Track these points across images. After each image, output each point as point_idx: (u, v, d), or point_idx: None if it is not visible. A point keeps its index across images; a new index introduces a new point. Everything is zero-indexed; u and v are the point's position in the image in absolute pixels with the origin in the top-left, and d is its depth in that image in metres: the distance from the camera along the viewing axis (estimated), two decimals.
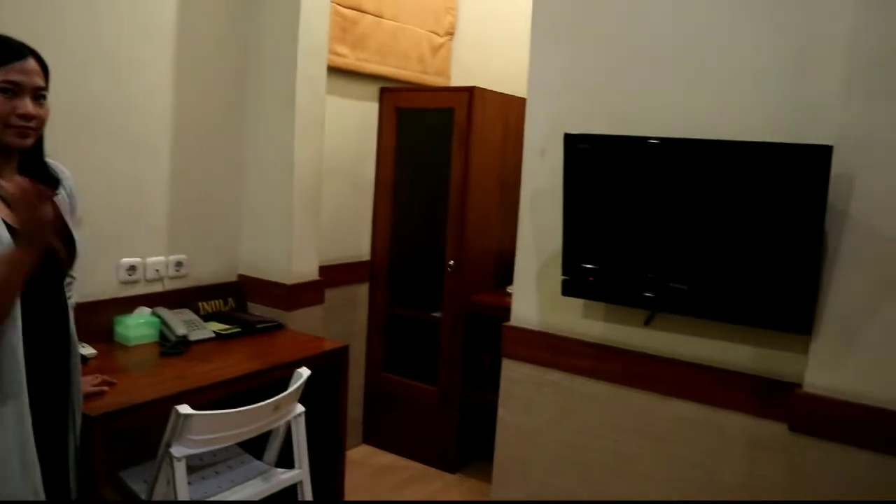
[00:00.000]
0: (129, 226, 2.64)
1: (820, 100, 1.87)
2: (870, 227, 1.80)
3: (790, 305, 1.85)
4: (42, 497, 1.59)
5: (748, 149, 1.86)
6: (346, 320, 3.58)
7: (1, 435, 1.51)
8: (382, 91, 3.53)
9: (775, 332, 1.94)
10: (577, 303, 2.27)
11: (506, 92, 3.46)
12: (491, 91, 3.38)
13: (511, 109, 3.42)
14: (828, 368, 1.87)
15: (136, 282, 2.67)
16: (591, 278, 2.10)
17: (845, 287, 1.83)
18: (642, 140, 1.98)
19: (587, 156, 2.04)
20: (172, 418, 1.95)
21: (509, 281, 3.48)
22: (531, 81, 2.33)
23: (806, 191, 1.77)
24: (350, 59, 3.23)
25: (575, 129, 2.07)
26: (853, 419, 1.83)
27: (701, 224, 1.93)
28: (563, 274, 2.15)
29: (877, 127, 1.78)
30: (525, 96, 2.35)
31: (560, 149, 2.10)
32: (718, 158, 1.90)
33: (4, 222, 1.50)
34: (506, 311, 2.49)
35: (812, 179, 1.76)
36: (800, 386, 1.91)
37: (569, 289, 2.16)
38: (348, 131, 3.43)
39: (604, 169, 2.05)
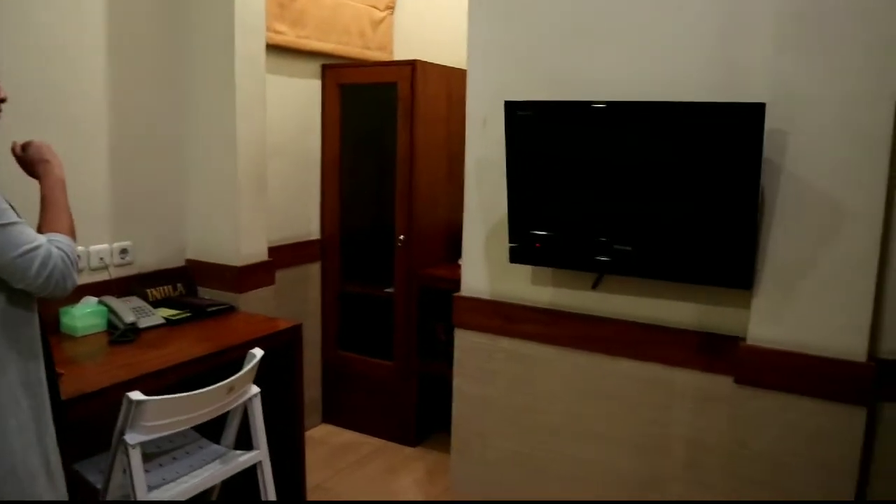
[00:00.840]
0: None
1: (753, 57, 1.92)
2: (803, 180, 1.85)
3: (731, 262, 1.90)
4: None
5: (684, 109, 1.89)
6: (299, 300, 3.56)
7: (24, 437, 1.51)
8: (324, 68, 3.49)
9: (718, 288, 2.00)
10: (525, 270, 2.30)
11: (449, 64, 3.45)
12: (433, 64, 3.37)
13: (454, 81, 3.41)
14: (769, 321, 1.93)
15: (80, 271, 2.61)
16: (537, 244, 2.13)
17: (782, 241, 1.89)
18: (581, 105, 2.00)
19: (528, 123, 2.05)
20: (124, 405, 1.92)
21: (458, 253, 3.52)
22: (470, 51, 2.33)
23: (742, 148, 1.82)
24: (290, 37, 3.19)
25: (516, 98, 2.08)
26: (794, 368, 1.90)
27: (642, 186, 1.97)
28: (510, 241, 2.17)
29: (806, 81, 1.83)
30: (466, 69, 2.36)
31: (502, 118, 2.11)
32: (655, 120, 1.93)
33: None
34: (458, 283, 2.51)
35: (747, 137, 1.80)
36: (743, 339, 1.97)
37: (516, 256, 2.18)
38: (292, 110, 3.39)
39: (545, 135, 2.07)
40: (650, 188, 1.96)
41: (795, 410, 1.91)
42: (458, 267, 3.43)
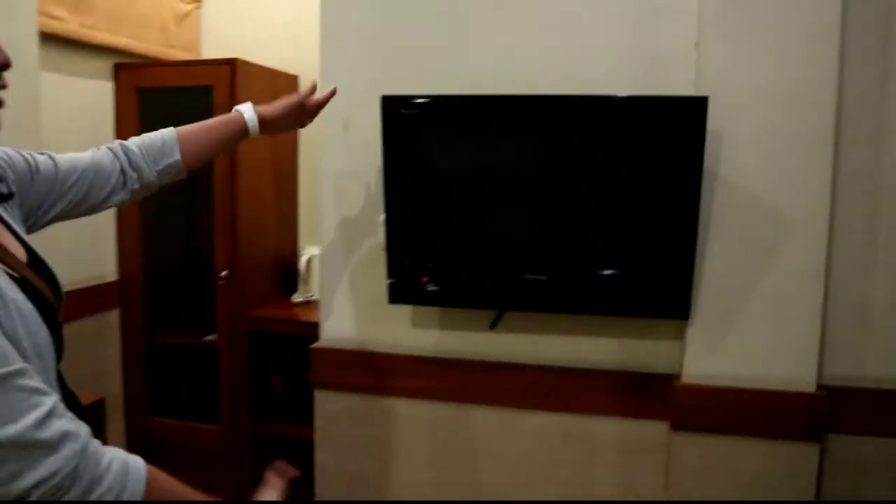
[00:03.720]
0: None
1: (676, 48, 1.62)
2: (740, 188, 1.58)
3: (667, 288, 1.58)
4: None
5: (610, 105, 1.55)
6: (95, 359, 2.83)
7: None
8: (118, 67, 2.82)
9: (648, 319, 1.67)
10: (404, 310, 1.84)
11: (272, 67, 2.92)
12: (256, 65, 2.82)
13: (280, 87, 2.90)
14: (707, 354, 1.64)
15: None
16: (425, 279, 1.69)
17: (720, 260, 1.61)
18: (483, 100, 1.60)
19: (412, 124, 1.61)
20: None
21: (293, 288, 2.98)
22: (324, 38, 1.84)
23: (679, 151, 1.50)
24: (71, 25, 2.50)
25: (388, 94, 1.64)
26: (737, 406, 1.63)
27: (558, 200, 1.60)
28: (390, 276, 1.71)
29: (738, 75, 1.56)
30: (296, 73, 1.87)
31: (368, 119, 1.66)
32: (574, 119, 1.57)
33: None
34: (294, 324, 2.02)
35: (685, 138, 1.49)
36: (678, 377, 1.66)
37: (398, 294, 1.72)
38: (76, 118, 2.67)
39: (435, 139, 1.64)
40: (568, 203, 1.59)
41: (741, 455, 1.64)
42: (293, 305, 2.93)
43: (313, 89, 1.53)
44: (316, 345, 1.94)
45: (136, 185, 1.31)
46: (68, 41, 2.52)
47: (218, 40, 3.30)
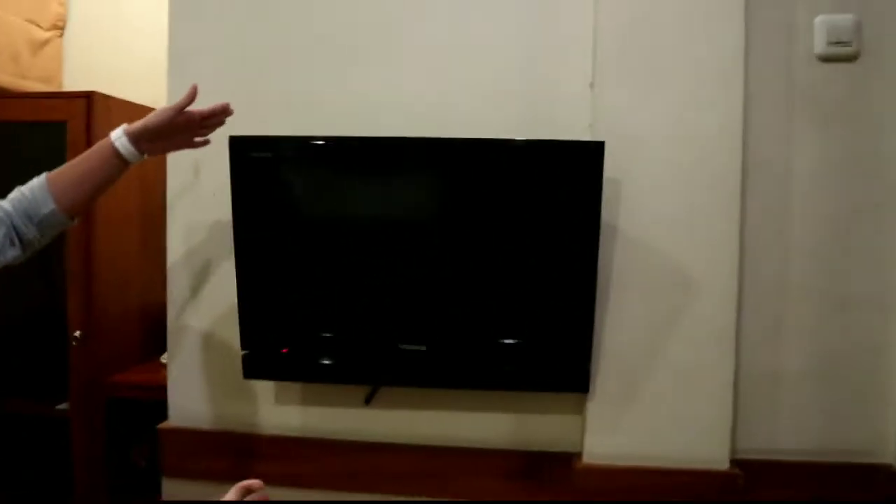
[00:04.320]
0: None
1: (571, 87, 1.45)
2: (641, 243, 1.41)
3: (562, 357, 1.38)
4: None
5: (496, 149, 1.35)
6: None
7: None
8: None
9: (543, 392, 1.47)
10: (264, 383, 1.58)
11: (145, 103, 2.63)
12: (117, 99, 2.52)
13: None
14: (611, 430, 1.45)
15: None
16: (284, 349, 1.43)
17: (622, 325, 1.43)
18: (351, 142, 1.37)
19: (265, 168, 1.37)
20: None
21: (162, 347, 2.66)
22: (171, 76, 1.59)
23: (575, 202, 1.32)
24: None
25: (244, 132, 1.39)
26: (644, 488, 1.45)
27: (438, 257, 1.38)
28: (243, 347, 1.45)
29: (635, 116, 1.41)
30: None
31: (222, 162, 1.41)
32: (456, 165, 1.37)
33: None
34: (161, 390, 1.72)
35: (582, 186, 1.31)
36: (579, 456, 1.46)
37: (253, 368, 1.46)
38: None
39: (291, 186, 1.40)
40: (451, 260, 1.38)
41: None
42: (161, 367, 2.59)
43: (192, 95, 1.26)
44: (164, 424, 1.65)
45: (22, 242, 1.26)
46: None
47: (83, 71, 2.98)
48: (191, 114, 1.27)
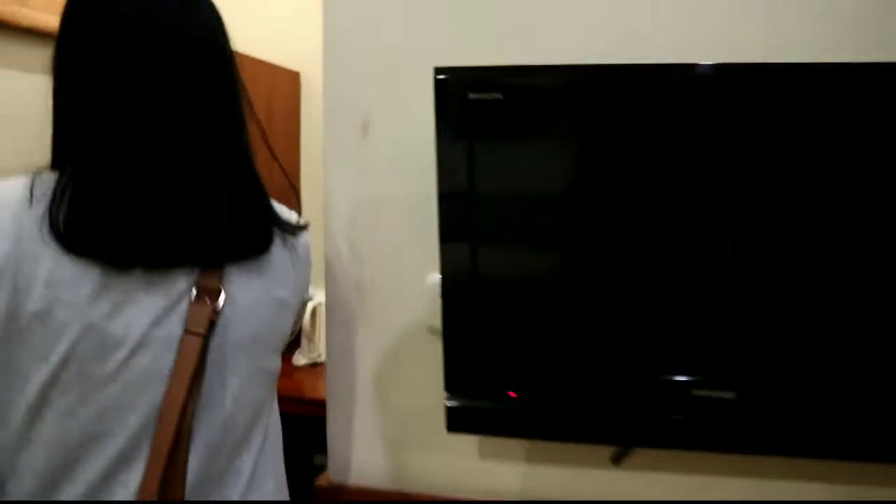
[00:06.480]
0: None
1: None
2: None
3: None
4: None
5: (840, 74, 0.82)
6: None
7: None
8: None
9: None
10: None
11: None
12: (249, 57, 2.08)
13: (278, 85, 2.21)
14: None
15: None
16: (511, 393, 0.95)
17: None
18: (622, 70, 0.86)
19: (491, 117, 0.87)
20: None
21: (294, 344, 2.20)
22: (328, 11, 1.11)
23: None
24: (8, 6, 1.77)
25: (427, 80, 0.89)
26: None
27: (768, 250, 0.87)
28: (448, 389, 0.97)
29: None
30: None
31: (403, 117, 0.94)
32: (781, 98, 0.85)
33: None
34: (301, 402, 1.31)
35: None
36: None
37: (460, 419, 0.98)
38: (17, 118, 1.91)
39: (529, 145, 0.90)
40: (789, 255, 0.86)
41: None
42: (297, 369, 2.14)
43: None
44: (322, 480, 1.20)
45: None
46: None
47: None
48: None
